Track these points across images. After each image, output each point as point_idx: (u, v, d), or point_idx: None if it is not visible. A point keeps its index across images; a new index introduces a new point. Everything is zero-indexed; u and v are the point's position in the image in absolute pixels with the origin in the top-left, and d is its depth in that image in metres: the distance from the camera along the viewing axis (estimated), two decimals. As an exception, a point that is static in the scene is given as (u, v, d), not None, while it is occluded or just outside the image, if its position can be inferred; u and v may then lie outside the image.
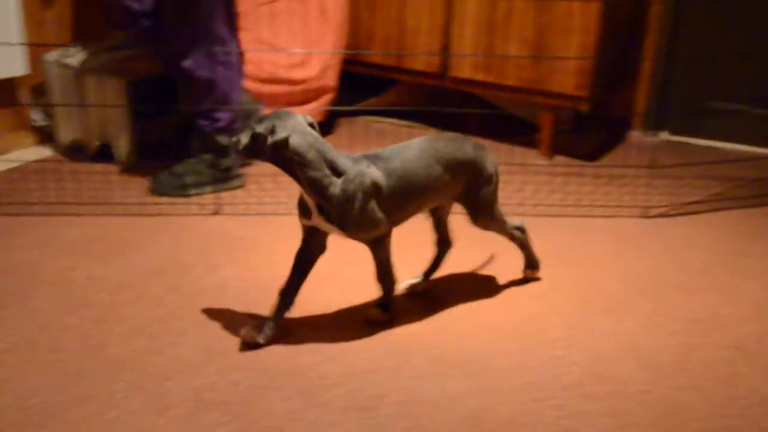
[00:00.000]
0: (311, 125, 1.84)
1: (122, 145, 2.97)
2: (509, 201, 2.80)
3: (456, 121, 3.41)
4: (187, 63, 2.67)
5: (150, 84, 3.01)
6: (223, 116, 2.77)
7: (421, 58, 3.38)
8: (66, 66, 2.96)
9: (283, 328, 1.95)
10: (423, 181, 1.92)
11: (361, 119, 3.69)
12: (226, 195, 2.75)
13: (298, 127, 1.78)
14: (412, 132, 3.48)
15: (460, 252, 2.44)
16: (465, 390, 1.76)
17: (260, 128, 1.75)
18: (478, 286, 2.24)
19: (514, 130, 3.56)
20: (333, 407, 1.68)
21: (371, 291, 2.18)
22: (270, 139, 1.74)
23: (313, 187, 1.79)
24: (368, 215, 1.85)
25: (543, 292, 2.22)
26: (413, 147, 1.96)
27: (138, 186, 2.79)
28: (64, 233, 2.43)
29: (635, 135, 3.68)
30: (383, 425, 1.63)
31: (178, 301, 2.08)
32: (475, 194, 2.05)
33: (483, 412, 1.69)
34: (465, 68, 3.31)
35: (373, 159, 1.90)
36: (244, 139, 1.76)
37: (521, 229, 2.21)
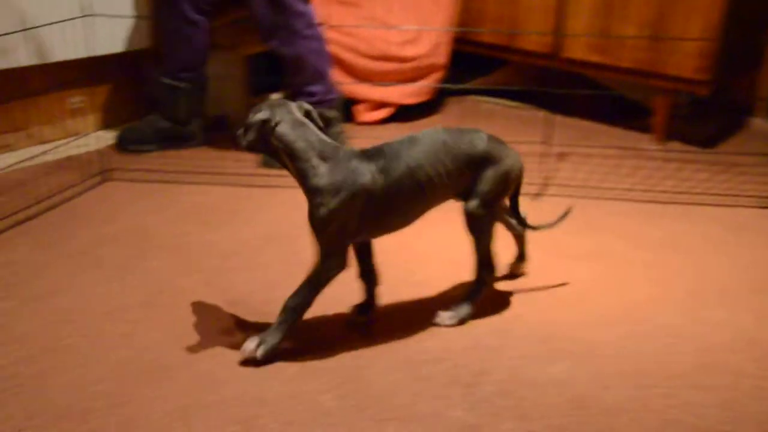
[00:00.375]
0: (308, 114, 1.76)
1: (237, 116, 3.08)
2: (619, 185, 2.74)
3: (565, 103, 3.35)
4: (273, 43, 2.74)
5: (267, 58, 3.09)
6: (318, 89, 2.81)
7: (533, 38, 3.33)
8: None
9: (387, 304, 1.98)
10: (431, 178, 1.78)
11: (470, 99, 3.67)
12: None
13: (288, 115, 1.70)
14: (521, 113, 3.44)
15: (564, 237, 2.41)
16: (569, 374, 1.74)
17: (263, 116, 1.69)
18: (583, 270, 2.21)
19: (627, 113, 3.47)
20: (435, 381, 1.70)
21: (469, 268, 2.18)
22: (266, 127, 1.69)
23: (301, 177, 1.71)
24: (343, 217, 1.71)
25: (652, 279, 2.17)
26: (421, 142, 1.81)
27: (251, 157, 2.87)
28: (181, 200, 2.54)
29: (757, 122, 3.52)
30: (485, 401, 1.64)
31: (285, 270, 2.14)
32: (483, 186, 1.85)
33: (587, 397, 1.67)
34: (578, 49, 3.24)
35: (373, 154, 1.76)
36: (241, 130, 1.73)
37: (522, 222, 2.05)
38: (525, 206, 2.44)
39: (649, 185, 2.77)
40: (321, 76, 2.82)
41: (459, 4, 3.39)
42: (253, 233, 2.33)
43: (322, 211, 1.69)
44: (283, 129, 1.69)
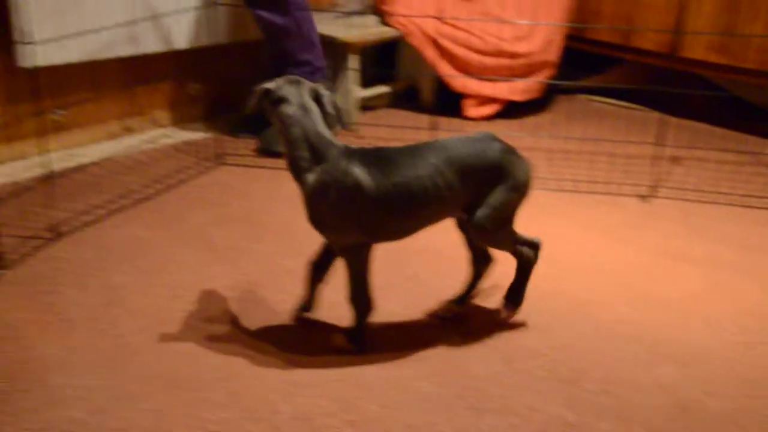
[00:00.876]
0: (318, 98, 1.68)
1: (426, 90, 3.16)
2: (735, 191, 2.64)
3: (680, 104, 3.25)
4: (262, 13, 2.73)
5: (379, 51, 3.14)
6: (311, 58, 2.80)
7: (650, 37, 3.24)
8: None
9: (488, 296, 1.98)
10: (428, 191, 1.65)
11: (581, 97, 3.61)
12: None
13: (296, 97, 1.65)
14: (633, 114, 3.36)
15: (675, 240, 2.35)
16: (674, 378, 1.70)
17: (266, 86, 1.66)
18: (693, 275, 2.14)
19: (746, 116, 3.33)
20: (534, 375, 1.69)
21: (578, 268, 2.15)
22: (268, 98, 1.65)
23: (290, 164, 1.67)
24: (339, 217, 1.64)
25: (766, 287, 2.09)
26: (423, 150, 1.68)
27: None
28: (290, 186, 2.59)
29: None
30: (584, 399, 1.62)
31: (385, 258, 2.16)
32: (492, 199, 1.70)
33: (692, 402, 1.62)
34: (698, 48, 3.13)
35: (369, 157, 1.66)
36: (253, 97, 1.68)
37: (535, 247, 1.84)
38: (633, 206, 2.39)
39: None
40: (312, 44, 2.81)
41: (574, 1, 3.34)
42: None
43: (314, 211, 1.66)
44: (286, 109, 1.64)
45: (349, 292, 1.74)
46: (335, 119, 1.70)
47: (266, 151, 2.82)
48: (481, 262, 1.87)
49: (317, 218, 1.67)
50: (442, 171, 1.66)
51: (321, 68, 2.86)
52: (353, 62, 3.07)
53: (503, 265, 1.88)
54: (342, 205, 1.63)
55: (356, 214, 1.64)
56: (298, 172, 1.67)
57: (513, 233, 1.80)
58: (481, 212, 1.70)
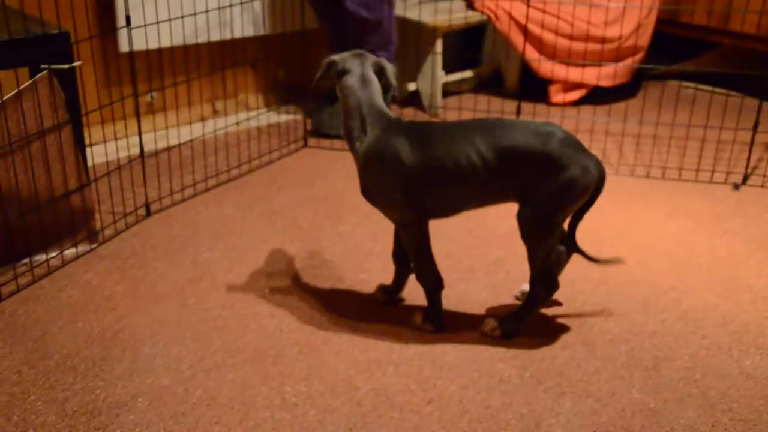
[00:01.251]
0: (380, 72, 1.73)
1: (511, 75, 3.20)
2: (836, 180, 2.53)
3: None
4: (353, 6, 2.73)
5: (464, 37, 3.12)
6: (385, 55, 2.79)
7: (751, 19, 3.12)
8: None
9: (569, 281, 1.96)
10: (461, 168, 1.61)
11: (673, 83, 3.51)
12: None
13: (358, 69, 1.71)
14: (727, 99, 3.24)
15: (764, 229, 2.27)
16: (762, 369, 1.65)
17: (332, 58, 1.73)
18: (788, 265, 2.06)
19: None
20: (615, 362, 1.67)
21: (664, 255, 2.11)
22: (333, 69, 1.72)
23: (346, 133, 1.72)
24: (384, 188, 1.66)
25: None
26: (471, 127, 1.64)
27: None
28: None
29: None
30: (667, 387, 1.59)
31: (470, 242, 2.16)
32: (540, 192, 1.61)
33: (780, 394, 1.57)
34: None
35: (414, 130, 1.66)
36: (320, 68, 1.74)
37: (551, 285, 1.71)
38: (724, 194, 2.33)
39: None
40: (390, 42, 2.83)
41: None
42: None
43: (363, 181, 1.70)
44: (348, 81, 1.70)
45: (414, 269, 1.75)
46: (395, 91, 1.77)
47: (318, 133, 2.89)
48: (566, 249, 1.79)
49: (365, 188, 1.71)
50: (482, 151, 1.61)
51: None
52: (438, 46, 3.06)
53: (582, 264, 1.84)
54: (383, 174, 1.66)
55: (396, 185, 1.65)
56: (351, 141, 1.71)
57: (550, 244, 1.66)
58: (528, 204, 1.63)
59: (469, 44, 3.47)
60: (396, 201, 1.67)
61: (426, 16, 3.08)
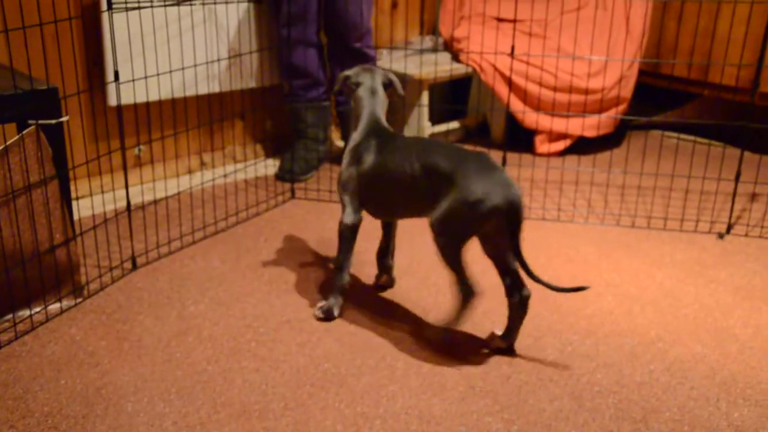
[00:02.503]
0: (388, 84, 2.04)
1: (497, 125, 3.23)
2: (819, 229, 2.55)
3: (763, 141, 3.17)
4: (360, 44, 2.95)
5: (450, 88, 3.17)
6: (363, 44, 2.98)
7: (729, 71, 3.18)
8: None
9: (557, 332, 1.96)
10: (396, 177, 1.86)
11: (655, 133, 3.56)
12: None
13: (368, 82, 2.01)
14: (710, 149, 3.29)
15: (754, 279, 2.28)
16: (751, 422, 1.64)
17: (347, 73, 2.04)
18: (774, 315, 2.07)
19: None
20: (603, 414, 1.66)
21: (651, 305, 2.11)
22: (348, 82, 2.03)
23: (350, 134, 2.02)
24: (345, 179, 1.98)
25: None
26: (414, 143, 1.89)
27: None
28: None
29: None
30: (656, 441, 1.58)
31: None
32: (443, 206, 1.75)
33: (769, 446, 1.56)
34: (779, 84, 3.06)
35: (383, 138, 1.95)
36: (337, 82, 2.06)
37: (468, 291, 1.79)
38: (709, 243, 2.34)
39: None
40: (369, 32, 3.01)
41: (647, 36, 3.31)
42: (429, 251, 2.38)
43: (340, 168, 2.01)
44: (359, 92, 2.02)
45: (334, 261, 2.18)
46: (402, 99, 2.13)
47: (282, 178, 2.94)
48: (513, 292, 1.84)
49: (339, 175, 2.00)
50: (414, 164, 1.83)
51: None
52: (424, 98, 3.10)
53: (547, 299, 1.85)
54: (348, 167, 1.98)
55: (351, 179, 1.96)
56: (347, 140, 2.04)
57: (457, 258, 1.77)
58: (434, 214, 1.79)
59: (455, 95, 3.51)
60: (349, 194, 1.97)
61: (412, 68, 3.13)
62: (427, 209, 1.81)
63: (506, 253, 1.79)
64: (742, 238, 2.52)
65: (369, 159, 1.92)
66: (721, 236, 2.53)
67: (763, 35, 2.58)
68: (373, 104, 1.99)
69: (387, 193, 1.91)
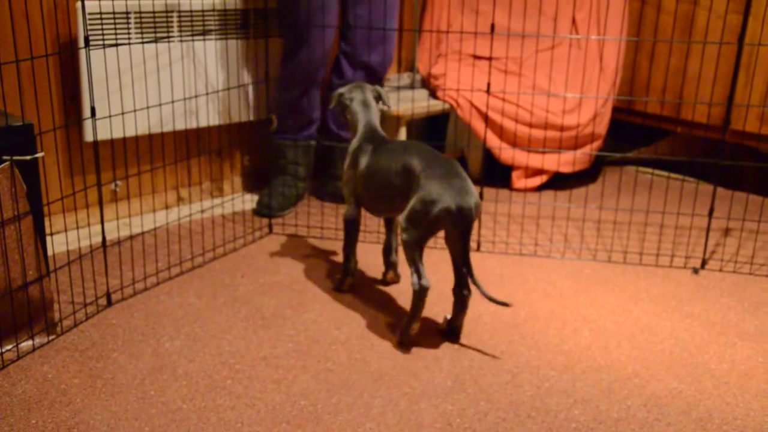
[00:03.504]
0: (378, 97, 2.30)
1: (474, 161, 3.27)
2: (791, 264, 2.58)
3: (733, 176, 3.21)
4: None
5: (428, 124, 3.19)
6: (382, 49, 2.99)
7: (701, 109, 3.24)
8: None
9: (534, 368, 1.96)
10: (381, 177, 2.09)
11: (630, 169, 3.60)
12: (486, 233, 2.81)
13: (359, 96, 2.28)
14: (683, 185, 3.33)
15: (728, 314, 2.30)
16: (727, 456, 1.64)
17: (340, 90, 2.31)
18: (748, 351, 2.08)
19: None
20: (581, 451, 1.65)
21: (627, 340, 2.12)
22: (342, 99, 2.30)
23: (350, 143, 2.26)
24: (346, 180, 2.24)
25: (826, 365, 2.02)
26: (400, 147, 2.09)
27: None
28: (337, 256, 2.63)
29: None
30: (633, 478, 1.57)
31: (435, 329, 2.16)
32: (407, 208, 1.98)
33: (746, 482, 1.56)
34: (750, 121, 3.11)
35: (377, 142, 2.18)
36: (332, 99, 2.33)
37: (421, 291, 1.98)
38: (684, 278, 2.36)
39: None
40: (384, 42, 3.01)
41: (620, 74, 3.36)
42: (407, 289, 2.37)
43: (344, 169, 2.26)
44: (353, 106, 2.28)
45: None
46: (389, 110, 2.41)
47: (260, 213, 2.94)
48: (456, 289, 2.04)
49: (342, 174, 2.29)
50: (396, 164, 2.05)
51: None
52: (402, 134, 3.12)
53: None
54: (348, 169, 2.24)
55: (351, 180, 2.22)
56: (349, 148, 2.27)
57: (414, 254, 1.98)
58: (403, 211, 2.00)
59: (432, 131, 3.54)
60: (349, 192, 2.24)
61: (395, 105, 3.15)
62: (405, 206, 2.02)
63: (457, 253, 1.99)
64: (717, 273, 2.55)
65: (363, 161, 2.17)
66: (695, 271, 2.56)
67: (731, 74, 2.63)
68: (368, 115, 2.27)
69: (377, 191, 2.13)
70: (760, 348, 2.09)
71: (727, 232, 2.87)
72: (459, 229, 1.93)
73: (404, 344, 2.06)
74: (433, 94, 3.34)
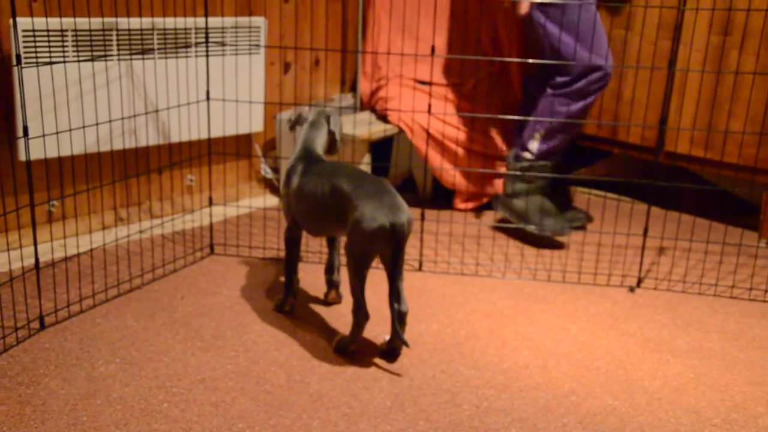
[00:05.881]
0: (327, 119, 2.31)
1: (421, 182, 3.25)
2: (721, 282, 2.65)
3: (668, 197, 3.30)
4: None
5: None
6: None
7: (636, 131, 3.32)
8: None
9: (474, 387, 1.97)
10: (310, 198, 2.12)
11: (569, 189, 3.67)
12: (429, 253, 2.83)
13: (310, 118, 2.33)
14: (621, 205, 3.41)
15: (661, 331, 2.35)
16: (659, 471, 1.68)
17: (300, 111, 2.48)
18: (680, 367, 2.13)
19: (733, 209, 3.38)
20: (518, 470, 1.67)
21: (565, 358, 2.15)
22: (294, 119, 2.40)
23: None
24: (283, 199, 2.28)
25: (753, 380, 2.07)
26: (332, 168, 2.13)
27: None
28: (278, 276, 2.62)
29: None
30: (568, 495, 1.59)
31: (374, 350, 2.16)
32: (348, 232, 2.01)
33: (677, 496, 1.59)
34: (682, 143, 3.21)
35: (310, 163, 2.20)
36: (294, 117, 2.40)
37: (361, 315, 2.05)
38: (620, 296, 2.40)
39: (754, 284, 2.67)
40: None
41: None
42: (346, 311, 2.37)
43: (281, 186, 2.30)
44: (303, 126, 2.34)
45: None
46: (338, 137, 2.34)
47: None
48: (392, 304, 2.03)
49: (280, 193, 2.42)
50: (324, 185, 2.08)
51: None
52: (367, 157, 3.13)
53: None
54: (282, 187, 2.27)
55: (286, 198, 2.24)
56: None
57: (357, 282, 2.00)
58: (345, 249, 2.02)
59: (377, 154, 3.55)
60: (286, 210, 2.27)
61: (349, 128, 3.14)
62: (341, 228, 2.07)
63: (390, 271, 2.00)
64: (652, 291, 2.60)
65: (295, 181, 2.19)
66: (632, 290, 2.61)
67: (662, 98, 2.71)
68: (309, 135, 2.28)
69: (309, 211, 2.15)
70: (691, 364, 2.14)
71: (661, 250, 2.94)
72: (392, 246, 1.96)
73: (340, 353, 2.12)
74: (382, 117, 3.35)
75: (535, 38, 2.93)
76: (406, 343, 2.05)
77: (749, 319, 2.43)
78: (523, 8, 2.84)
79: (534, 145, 2.96)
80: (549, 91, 2.93)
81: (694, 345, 2.25)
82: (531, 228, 2.93)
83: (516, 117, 3.05)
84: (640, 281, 2.65)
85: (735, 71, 2.99)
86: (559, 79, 2.90)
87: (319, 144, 2.29)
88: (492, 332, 2.27)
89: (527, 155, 2.98)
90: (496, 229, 3.10)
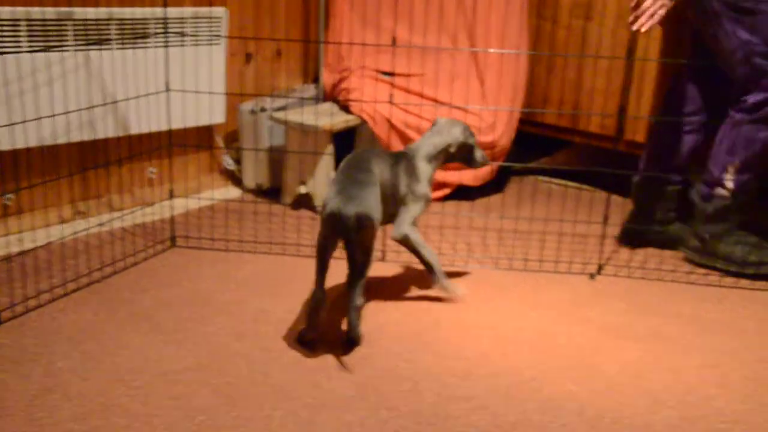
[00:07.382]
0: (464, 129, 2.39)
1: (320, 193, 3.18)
2: (679, 268, 2.69)
3: (629, 185, 3.34)
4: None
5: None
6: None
7: (596, 120, 3.35)
8: (276, 118, 3.20)
9: (436, 375, 1.98)
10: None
11: (531, 178, 3.70)
12: (392, 243, 2.84)
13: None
14: (581, 194, 3.44)
15: (619, 318, 2.38)
16: (617, 454, 1.70)
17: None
18: (637, 352, 2.16)
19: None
20: (478, 456, 1.68)
21: (526, 345, 2.17)
22: None
23: None
24: None
25: (708, 363, 2.11)
26: (374, 151, 2.24)
27: (308, 228, 2.94)
28: (241, 268, 2.61)
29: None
30: (528, 479, 1.61)
31: (336, 340, 2.16)
32: None
33: (634, 478, 1.62)
34: (641, 132, 3.24)
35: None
36: None
37: (312, 301, 2.08)
38: (581, 284, 2.43)
39: (710, 269, 2.72)
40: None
41: (522, 87, 3.44)
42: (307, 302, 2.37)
43: None
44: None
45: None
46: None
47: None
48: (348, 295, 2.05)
49: None
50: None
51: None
52: (330, 148, 3.12)
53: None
54: None
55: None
56: None
57: (317, 260, 2.02)
58: None
59: (340, 145, 3.54)
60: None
61: (311, 119, 3.12)
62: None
63: (348, 262, 2.00)
64: (612, 278, 2.64)
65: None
66: (592, 277, 2.64)
67: (621, 87, 2.74)
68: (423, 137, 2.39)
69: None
70: (649, 349, 2.18)
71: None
72: (339, 236, 1.97)
73: (302, 343, 2.12)
74: (344, 108, 3.34)
75: (718, 49, 2.58)
76: (354, 339, 2.08)
77: (705, 303, 2.48)
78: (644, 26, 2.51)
79: (729, 181, 2.61)
80: (738, 116, 2.55)
81: (652, 330, 2.29)
82: (750, 270, 2.65)
83: (481, 107, 3.06)
84: (600, 268, 2.69)
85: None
86: (752, 100, 2.51)
87: (422, 146, 2.33)
88: (454, 321, 2.28)
89: (722, 192, 2.63)
90: (459, 218, 3.11)
